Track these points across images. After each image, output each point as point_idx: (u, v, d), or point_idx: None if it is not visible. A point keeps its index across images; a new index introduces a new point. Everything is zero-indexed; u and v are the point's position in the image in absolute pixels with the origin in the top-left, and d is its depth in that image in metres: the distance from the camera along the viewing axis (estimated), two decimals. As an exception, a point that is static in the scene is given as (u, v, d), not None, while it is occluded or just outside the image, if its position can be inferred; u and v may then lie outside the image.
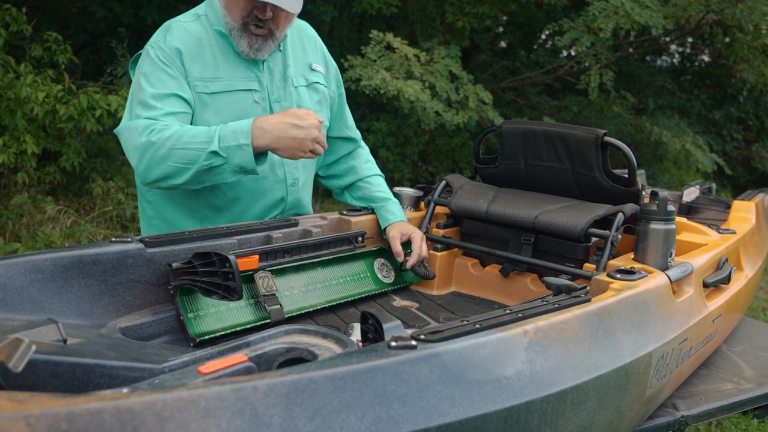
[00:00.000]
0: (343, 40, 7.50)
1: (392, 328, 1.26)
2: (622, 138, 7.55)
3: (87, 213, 5.12)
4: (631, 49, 7.49)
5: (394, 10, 6.81)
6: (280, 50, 2.00)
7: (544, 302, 1.44)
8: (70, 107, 4.54)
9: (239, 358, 1.22)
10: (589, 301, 1.49)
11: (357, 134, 2.29)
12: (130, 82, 1.93)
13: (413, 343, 1.11)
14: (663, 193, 1.89)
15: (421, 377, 1.06)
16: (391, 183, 7.49)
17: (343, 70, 6.01)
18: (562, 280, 1.56)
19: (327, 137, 2.18)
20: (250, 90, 1.93)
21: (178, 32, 1.86)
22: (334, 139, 2.22)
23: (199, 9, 1.96)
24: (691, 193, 3.38)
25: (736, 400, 2.08)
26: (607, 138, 2.12)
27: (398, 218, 2.17)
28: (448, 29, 7.17)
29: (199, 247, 1.70)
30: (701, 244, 2.19)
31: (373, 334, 1.33)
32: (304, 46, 2.10)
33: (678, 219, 2.34)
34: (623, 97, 7.85)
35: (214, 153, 1.69)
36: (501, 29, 9.14)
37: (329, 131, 2.20)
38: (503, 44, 9.58)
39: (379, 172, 2.28)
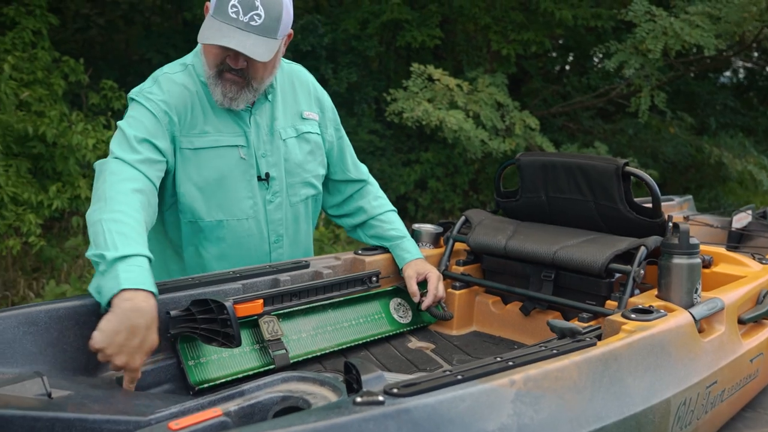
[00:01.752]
0: (389, 74, 7.56)
1: (372, 379, 1.21)
2: (681, 160, 7.29)
3: (140, 252, 5.27)
4: (691, 68, 7.25)
5: (437, 42, 6.84)
6: (268, 101, 1.95)
7: (542, 348, 1.36)
8: (120, 152, 4.71)
9: (213, 412, 1.19)
10: (593, 345, 1.41)
11: (363, 174, 2.22)
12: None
13: (380, 398, 1.06)
14: (685, 225, 1.78)
15: (387, 436, 1.01)
16: (442, 213, 7.46)
17: (386, 104, 6.05)
18: (567, 323, 1.48)
19: (331, 180, 2.16)
20: (236, 146, 1.88)
21: (166, 85, 1.82)
22: (338, 182, 2.18)
23: (187, 59, 1.91)
24: (741, 219, 3.19)
25: (785, 446, 1.92)
26: (628, 168, 2.03)
27: (414, 256, 2.12)
28: (495, 57, 7.14)
29: (200, 294, 1.70)
30: (739, 277, 2.05)
31: (356, 385, 1.28)
32: (296, 93, 2.04)
33: (715, 249, 2.21)
34: (680, 118, 7.58)
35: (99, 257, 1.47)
36: (554, 54, 9.04)
37: (332, 175, 2.16)
38: (557, 68, 9.47)
39: (392, 208, 2.23)
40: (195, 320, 1.61)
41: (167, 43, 7.42)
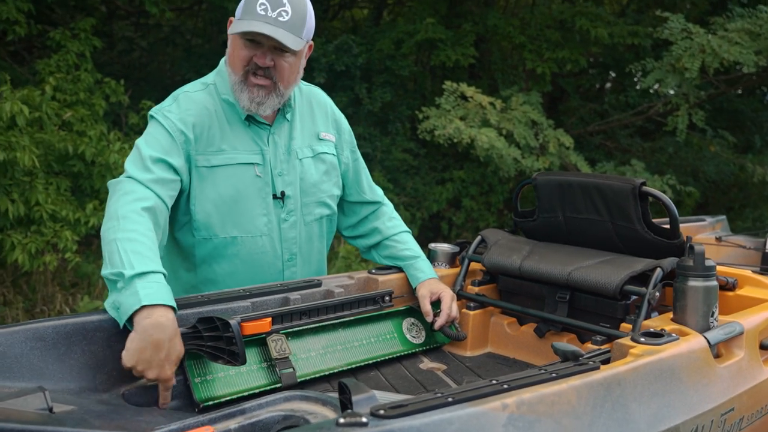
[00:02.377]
0: (425, 93, 7.58)
1: (363, 400, 1.20)
2: (724, 179, 7.11)
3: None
4: (736, 84, 7.06)
5: (471, 61, 6.83)
6: (287, 120, 1.98)
7: (541, 371, 1.34)
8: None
9: (205, 430, 1.20)
10: (596, 369, 1.37)
11: (378, 195, 2.24)
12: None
13: (364, 419, 1.05)
14: (700, 246, 1.73)
15: (368, 458, 1.00)
16: (476, 232, 7.39)
17: (419, 122, 6.06)
18: (570, 346, 1.45)
19: (346, 202, 2.18)
20: (252, 164, 1.91)
21: (185, 103, 1.86)
22: (353, 203, 2.20)
23: (209, 78, 1.95)
24: (776, 241, 3.09)
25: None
26: (645, 188, 1.98)
27: (428, 276, 2.11)
28: (530, 76, 7.10)
29: (209, 311, 1.72)
30: (764, 300, 1.98)
31: (349, 405, 1.27)
32: (313, 113, 2.07)
33: (740, 271, 2.14)
34: (721, 136, 7.40)
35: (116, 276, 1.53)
36: (592, 72, 8.94)
37: (348, 197, 2.17)
38: (597, 86, 9.36)
39: (406, 229, 2.23)
40: (201, 337, 1.63)
41: (207, 65, 7.59)
